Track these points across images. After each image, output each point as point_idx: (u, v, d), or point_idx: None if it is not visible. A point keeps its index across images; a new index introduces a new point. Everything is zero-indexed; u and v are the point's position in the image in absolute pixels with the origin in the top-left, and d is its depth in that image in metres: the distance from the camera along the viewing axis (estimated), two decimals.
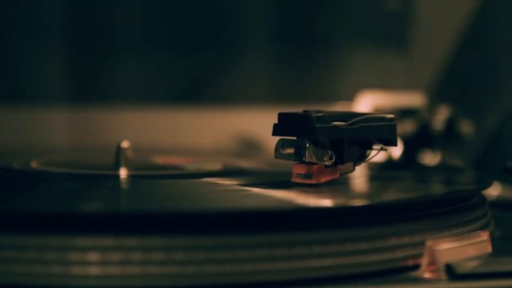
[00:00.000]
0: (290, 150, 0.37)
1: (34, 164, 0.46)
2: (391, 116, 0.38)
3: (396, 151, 0.55)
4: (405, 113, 0.57)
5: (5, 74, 0.70)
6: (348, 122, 0.36)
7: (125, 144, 0.44)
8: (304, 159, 0.36)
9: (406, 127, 0.56)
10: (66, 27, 0.70)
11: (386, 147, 0.38)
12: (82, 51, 0.71)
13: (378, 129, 0.38)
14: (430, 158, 0.56)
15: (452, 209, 0.35)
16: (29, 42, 0.70)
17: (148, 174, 0.44)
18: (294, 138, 0.37)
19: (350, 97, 0.65)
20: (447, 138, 0.56)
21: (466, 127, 0.57)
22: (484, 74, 0.67)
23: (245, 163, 0.49)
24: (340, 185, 0.38)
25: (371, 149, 0.39)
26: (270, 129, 0.37)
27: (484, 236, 0.34)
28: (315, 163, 0.36)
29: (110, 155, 0.44)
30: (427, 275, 0.31)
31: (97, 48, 0.71)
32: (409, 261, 0.32)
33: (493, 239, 0.35)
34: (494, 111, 0.64)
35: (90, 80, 0.71)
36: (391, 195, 0.39)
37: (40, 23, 0.70)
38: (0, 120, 0.69)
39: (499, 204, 0.47)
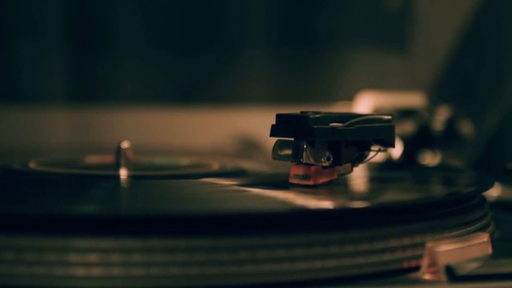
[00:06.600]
0: (288, 151, 0.36)
1: (33, 164, 0.46)
2: (389, 117, 0.38)
3: (396, 152, 0.55)
4: (405, 113, 0.57)
5: (5, 74, 0.70)
6: (346, 123, 0.36)
7: (125, 144, 0.44)
8: (301, 160, 0.36)
9: (406, 127, 0.56)
10: (66, 26, 0.70)
11: (384, 148, 0.38)
12: (81, 51, 0.71)
13: (376, 130, 0.37)
14: (430, 159, 0.56)
15: (452, 210, 0.35)
16: (29, 42, 0.70)
17: (148, 175, 0.44)
18: (292, 139, 0.36)
19: (350, 97, 0.65)
20: (447, 139, 0.56)
21: (466, 127, 0.57)
22: (485, 74, 0.67)
23: (244, 163, 0.49)
24: (338, 186, 0.38)
25: (369, 150, 0.38)
26: (269, 130, 0.37)
27: (484, 237, 0.34)
28: (312, 164, 0.36)
29: (110, 155, 0.44)
30: (427, 276, 0.31)
31: (96, 48, 0.71)
32: (409, 263, 0.32)
33: (493, 241, 0.35)
34: (494, 111, 0.64)
35: (90, 80, 0.71)
36: (391, 196, 0.39)
37: (40, 23, 0.70)
38: (0, 120, 0.69)
39: (499, 205, 0.47)
